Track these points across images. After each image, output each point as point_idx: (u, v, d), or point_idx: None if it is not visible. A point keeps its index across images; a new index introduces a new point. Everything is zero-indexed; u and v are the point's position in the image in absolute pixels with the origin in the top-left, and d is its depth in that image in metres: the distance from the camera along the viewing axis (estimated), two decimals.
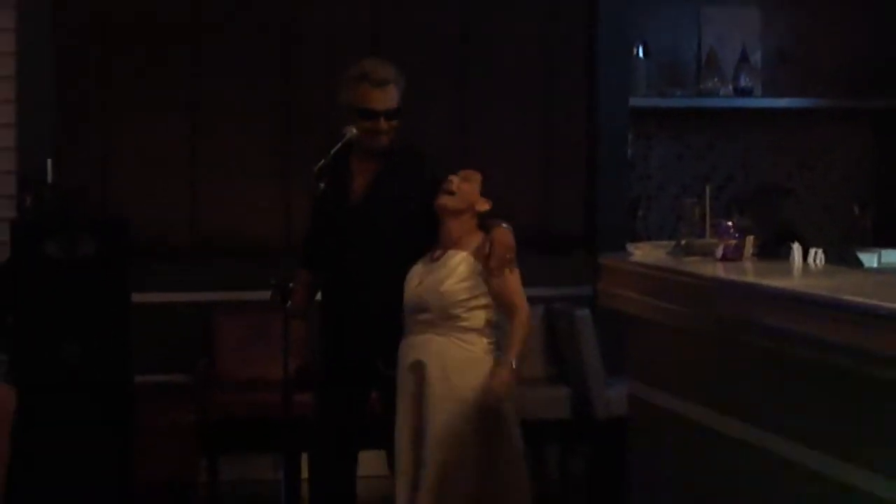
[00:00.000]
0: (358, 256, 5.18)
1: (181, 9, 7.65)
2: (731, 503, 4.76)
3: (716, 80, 8.10)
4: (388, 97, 5.18)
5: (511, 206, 5.24)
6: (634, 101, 7.98)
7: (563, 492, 7.48)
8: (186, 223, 7.65)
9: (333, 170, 5.18)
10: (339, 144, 5.19)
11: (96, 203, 7.39)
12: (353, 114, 5.21)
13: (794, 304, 4.19)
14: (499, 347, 5.04)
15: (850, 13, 8.31)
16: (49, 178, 7.10)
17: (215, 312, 7.46)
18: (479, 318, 5.01)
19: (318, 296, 5.40)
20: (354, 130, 5.20)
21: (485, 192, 5.11)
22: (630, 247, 6.00)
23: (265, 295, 5.27)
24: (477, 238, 5.07)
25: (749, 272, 4.97)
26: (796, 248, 5.02)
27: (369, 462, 5.56)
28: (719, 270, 4.97)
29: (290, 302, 5.22)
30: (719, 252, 5.17)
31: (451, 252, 5.05)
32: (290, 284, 5.24)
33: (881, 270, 5.56)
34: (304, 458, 5.80)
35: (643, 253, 5.72)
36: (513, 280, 5.04)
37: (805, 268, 4.95)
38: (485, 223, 5.09)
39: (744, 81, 8.11)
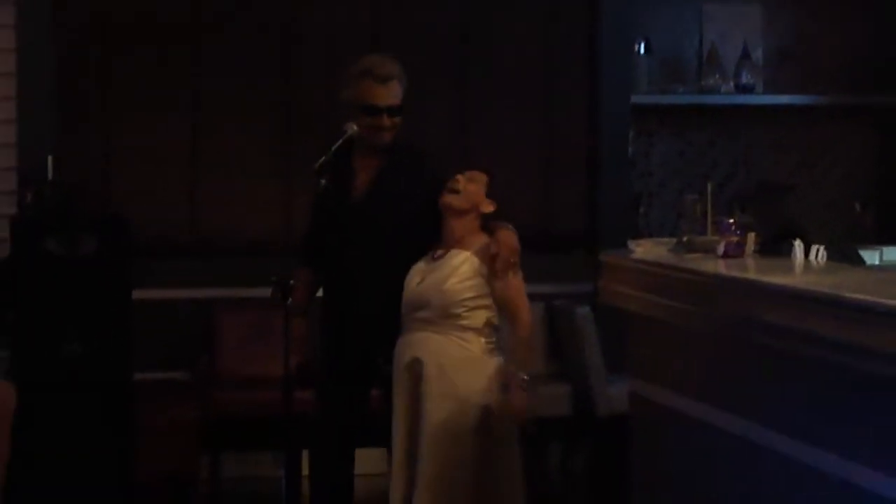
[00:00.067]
0: (359, 254, 5.17)
1: (182, 7, 7.65)
2: (732, 500, 4.76)
3: (717, 77, 8.10)
4: (391, 93, 5.18)
5: (512, 204, 5.23)
6: (636, 99, 7.98)
7: (565, 489, 7.48)
8: (187, 220, 7.65)
9: (335, 167, 5.17)
10: (340, 141, 5.18)
11: (97, 200, 7.38)
12: (356, 110, 5.20)
13: (795, 302, 4.19)
14: (497, 348, 5.04)
15: (851, 10, 8.30)
16: (49, 175, 7.11)
17: (216, 310, 7.46)
18: (478, 318, 5.00)
19: (319, 293, 5.40)
20: (355, 127, 5.19)
21: (487, 192, 5.11)
22: (631, 244, 5.98)
23: (266, 292, 5.26)
24: (479, 239, 5.06)
25: (750, 269, 4.96)
26: (798, 246, 5.01)
27: (369, 460, 5.55)
28: (721, 267, 4.96)
29: (290, 299, 5.22)
30: (721, 249, 5.16)
31: (454, 251, 5.04)
32: (291, 282, 5.23)
33: (883, 268, 5.56)
34: (305, 455, 5.80)
35: (644, 250, 5.71)
36: (516, 284, 5.04)
37: (807, 265, 4.95)
38: (488, 225, 5.08)
39: (745, 78, 8.11)
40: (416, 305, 5.01)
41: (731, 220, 5.22)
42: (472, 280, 4.99)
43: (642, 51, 8.03)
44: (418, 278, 5.04)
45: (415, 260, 5.10)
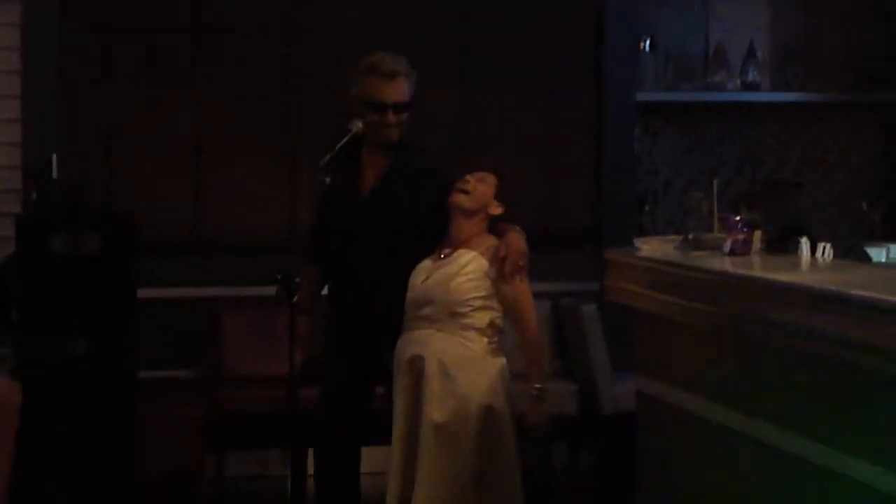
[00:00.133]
0: (365, 252, 5.17)
1: (185, 6, 7.65)
2: (738, 498, 4.75)
3: (724, 74, 8.08)
4: (396, 90, 5.16)
5: (517, 202, 5.22)
6: (641, 96, 7.97)
7: (571, 488, 7.47)
8: (191, 219, 7.65)
9: (340, 164, 5.16)
10: (346, 139, 5.17)
11: (101, 198, 7.39)
12: (362, 106, 5.18)
13: (801, 299, 4.18)
14: (500, 349, 5.02)
15: (858, 8, 8.29)
16: (54, 173, 7.10)
17: (221, 308, 7.46)
18: (483, 318, 4.98)
19: (324, 291, 5.39)
20: (360, 125, 5.18)
21: (496, 193, 5.10)
22: (637, 242, 5.98)
23: (270, 290, 5.25)
24: (486, 241, 5.04)
25: (757, 267, 4.96)
26: (804, 243, 5.00)
27: (375, 458, 5.54)
28: (727, 265, 4.95)
29: (296, 297, 5.21)
30: (727, 247, 5.15)
31: (461, 251, 5.02)
32: (297, 280, 5.22)
33: (889, 265, 5.55)
34: (311, 453, 5.79)
35: (651, 248, 5.70)
36: (524, 288, 5.03)
37: (813, 262, 4.94)
38: (496, 228, 5.07)
39: (751, 76, 8.09)
40: (421, 303, 5.00)
41: (738, 218, 5.21)
42: (478, 280, 4.98)
43: (648, 48, 8.01)
44: (424, 276, 5.03)
45: (420, 259, 5.08)
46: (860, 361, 3.87)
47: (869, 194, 8.10)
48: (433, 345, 4.94)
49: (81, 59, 7.56)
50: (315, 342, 5.35)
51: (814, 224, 5.90)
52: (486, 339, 4.98)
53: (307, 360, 5.31)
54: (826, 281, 4.35)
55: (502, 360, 5.01)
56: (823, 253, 4.97)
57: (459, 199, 5.06)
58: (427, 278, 5.01)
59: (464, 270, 4.97)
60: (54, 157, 7.14)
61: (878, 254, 5.80)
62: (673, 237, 5.88)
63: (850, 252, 5.28)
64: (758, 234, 5.18)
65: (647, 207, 8.07)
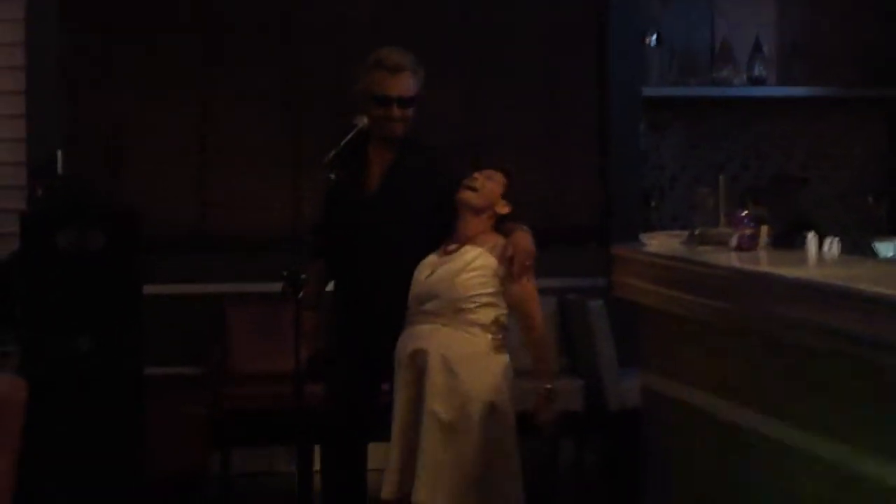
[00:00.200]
0: (370, 247, 5.16)
1: (189, 4, 7.65)
2: (745, 494, 4.74)
3: (730, 69, 8.06)
4: (401, 84, 5.15)
5: (523, 198, 5.21)
6: (647, 91, 7.95)
7: (577, 483, 7.46)
8: (196, 215, 7.66)
9: (346, 160, 5.15)
10: (351, 134, 5.16)
11: (106, 195, 7.38)
12: (368, 101, 5.17)
13: (808, 294, 4.16)
14: (503, 345, 5.01)
15: (864, 3, 8.27)
16: (59, 169, 7.10)
17: (226, 304, 7.46)
18: (487, 314, 4.97)
19: (330, 287, 5.38)
20: (365, 120, 5.17)
21: (504, 192, 5.09)
22: (644, 237, 5.96)
23: (276, 287, 5.25)
24: (492, 239, 5.04)
25: (763, 262, 4.94)
26: (811, 238, 4.99)
27: (381, 455, 5.53)
28: (734, 260, 4.94)
29: (301, 293, 5.20)
30: (734, 242, 5.14)
31: (467, 247, 5.02)
32: (302, 276, 5.21)
33: None
34: (317, 450, 5.78)
35: (657, 243, 5.69)
36: (530, 288, 5.02)
37: (820, 257, 4.92)
38: (502, 226, 5.06)
39: (758, 71, 8.08)
40: (425, 298, 4.99)
41: (744, 213, 5.20)
42: (484, 277, 4.97)
43: (654, 43, 8.00)
44: (428, 271, 5.02)
45: (425, 254, 5.07)
46: (867, 357, 3.86)
47: (875, 189, 8.09)
48: (436, 340, 4.93)
49: (83, 58, 7.56)
50: (320, 338, 5.35)
51: (820, 219, 5.89)
52: (490, 336, 4.97)
53: (313, 356, 5.30)
54: (833, 276, 4.34)
55: (506, 358, 5.00)
56: (830, 248, 4.96)
57: (467, 195, 5.05)
58: (432, 273, 5.00)
59: (470, 266, 4.96)
60: (59, 153, 7.14)
61: (884, 248, 5.77)
62: (679, 233, 5.87)
63: (857, 247, 5.26)
64: (764, 230, 5.17)
65: (653, 203, 8.06)
